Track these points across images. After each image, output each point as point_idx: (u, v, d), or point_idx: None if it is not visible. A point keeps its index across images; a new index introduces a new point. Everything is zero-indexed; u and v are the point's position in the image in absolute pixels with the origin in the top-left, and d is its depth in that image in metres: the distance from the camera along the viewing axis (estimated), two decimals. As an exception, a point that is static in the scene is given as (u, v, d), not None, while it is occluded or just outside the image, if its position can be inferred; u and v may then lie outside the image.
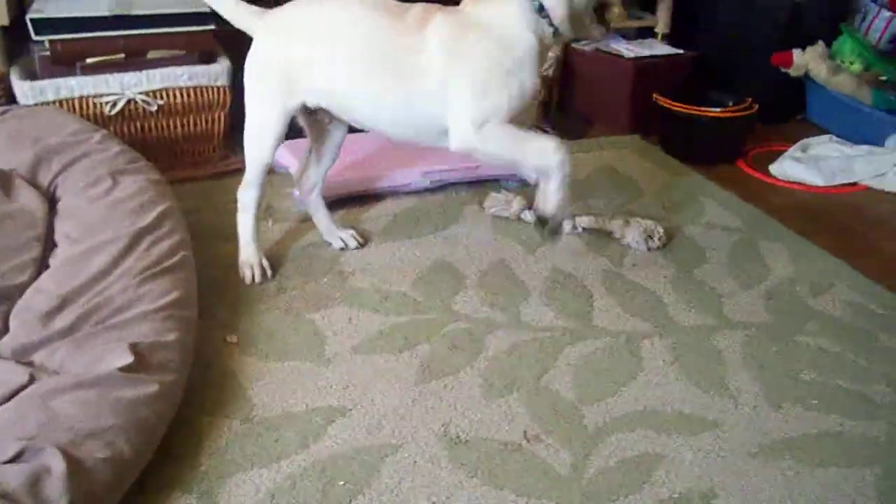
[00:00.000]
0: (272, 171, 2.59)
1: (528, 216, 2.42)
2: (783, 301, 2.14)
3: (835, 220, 2.61)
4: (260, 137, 2.06)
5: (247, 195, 2.14)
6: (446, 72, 1.87)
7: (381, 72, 1.92)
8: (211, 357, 1.81)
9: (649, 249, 2.32)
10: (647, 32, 3.48)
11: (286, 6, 2.04)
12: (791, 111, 3.44)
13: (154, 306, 1.71)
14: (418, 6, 1.96)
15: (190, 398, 1.66)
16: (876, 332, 2.03)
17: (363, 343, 1.88)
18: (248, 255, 2.15)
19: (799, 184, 2.82)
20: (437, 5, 1.95)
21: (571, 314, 2.02)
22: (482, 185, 2.61)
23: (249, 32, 2.07)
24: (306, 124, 2.18)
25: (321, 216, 2.30)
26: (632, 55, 3.16)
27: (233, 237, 2.17)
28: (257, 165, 2.10)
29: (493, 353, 1.86)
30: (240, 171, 2.54)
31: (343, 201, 2.47)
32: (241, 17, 2.07)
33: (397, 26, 1.92)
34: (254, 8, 2.07)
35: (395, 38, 1.91)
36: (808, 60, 3.27)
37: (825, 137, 3.11)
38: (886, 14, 3.65)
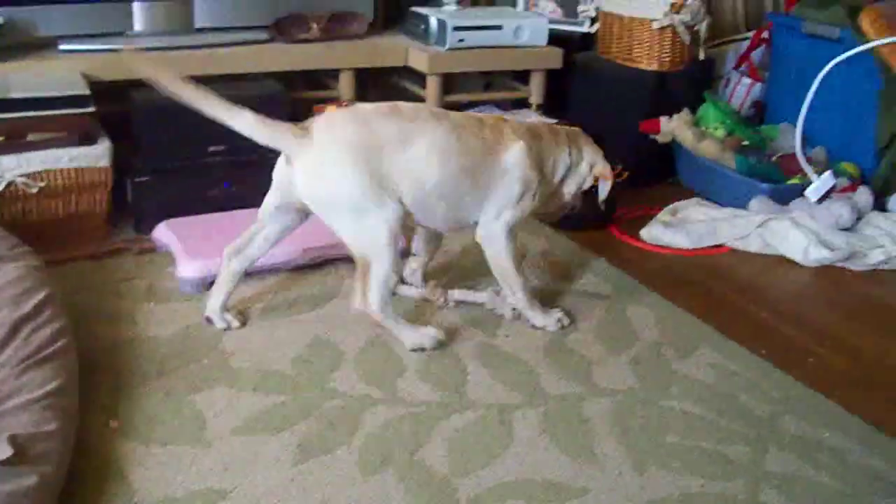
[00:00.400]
0: (153, 251, 2.63)
1: (400, 289, 2.49)
2: (649, 366, 2.23)
3: (700, 283, 2.73)
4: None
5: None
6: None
7: (461, 184, 2.23)
8: (92, 443, 1.82)
9: (520, 317, 2.40)
10: (521, 103, 3.59)
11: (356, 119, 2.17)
12: (662, 175, 3.57)
13: (34, 396, 1.72)
14: (491, 120, 2.31)
15: (71, 487, 1.67)
16: (737, 393, 2.13)
17: (243, 424, 1.91)
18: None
19: (667, 247, 2.93)
20: (508, 120, 2.35)
21: (446, 388, 2.08)
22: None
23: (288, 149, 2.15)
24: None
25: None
26: (506, 127, 3.25)
27: (114, 318, 2.19)
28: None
29: (369, 430, 1.91)
30: (121, 251, 2.59)
31: (223, 280, 2.49)
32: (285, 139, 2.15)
33: (479, 146, 2.24)
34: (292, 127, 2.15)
35: (479, 158, 2.23)
36: (674, 127, 3.42)
37: (693, 200, 3.24)
38: (747, 81, 3.85)
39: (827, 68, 1.65)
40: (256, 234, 2.31)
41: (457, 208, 2.26)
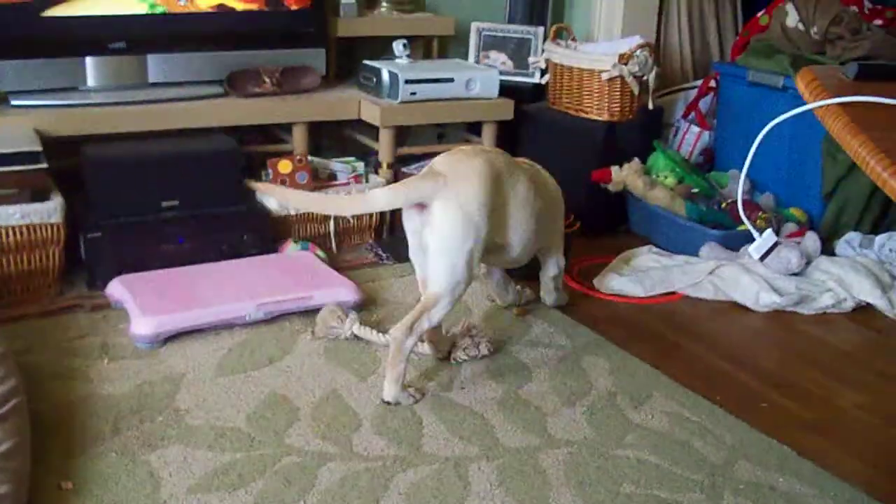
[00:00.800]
0: (107, 307, 2.62)
1: (359, 330, 2.50)
2: (604, 415, 2.24)
3: (653, 331, 2.76)
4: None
5: None
6: None
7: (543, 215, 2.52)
8: (44, 507, 1.81)
9: (474, 356, 2.43)
10: (474, 154, 3.60)
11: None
12: (614, 224, 3.61)
13: (-16, 458, 1.71)
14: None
15: (21, 552, 1.65)
16: (691, 440, 2.15)
17: (198, 483, 1.90)
18: None
19: (621, 296, 2.96)
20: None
21: (402, 441, 2.08)
22: (316, 313, 2.66)
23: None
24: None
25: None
26: (459, 178, 3.28)
27: (67, 376, 2.17)
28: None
29: (325, 486, 1.90)
30: (74, 308, 2.57)
31: (177, 338, 2.48)
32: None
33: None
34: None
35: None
36: (625, 176, 3.46)
37: (645, 248, 3.28)
38: (695, 129, 3.91)
39: (767, 128, 1.69)
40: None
41: (536, 238, 2.50)
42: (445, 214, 2.20)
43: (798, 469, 2.06)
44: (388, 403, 2.23)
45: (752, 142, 3.63)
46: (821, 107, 1.18)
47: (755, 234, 1.76)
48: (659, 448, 2.11)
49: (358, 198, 2.35)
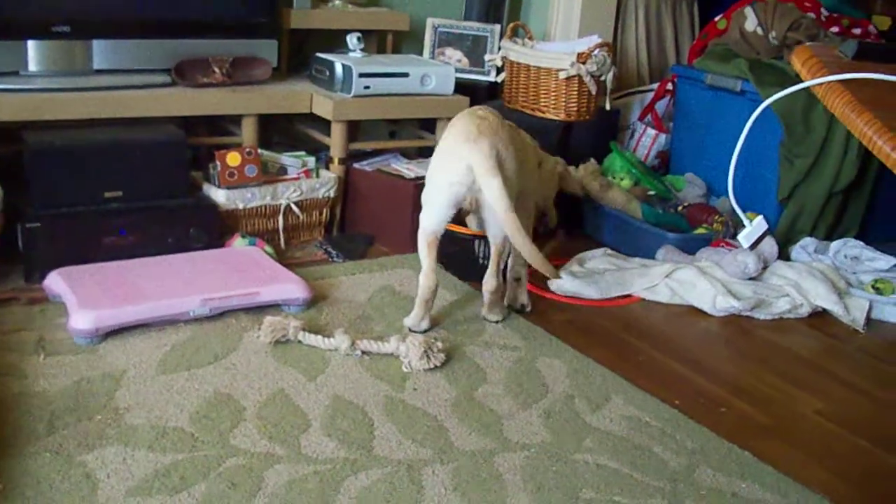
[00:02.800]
0: (44, 301, 2.51)
1: (306, 338, 2.41)
2: (562, 419, 2.18)
3: (610, 334, 2.70)
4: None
5: None
6: None
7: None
8: (-30, 509, 1.71)
9: (428, 367, 2.34)
10: (428, 151, 3.54)
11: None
12: (570, 226, 3.56)
13: None
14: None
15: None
16: (650, 445, 2.09)
17: (138, 485, 1.80)
18: None
19: (577, 298, 2.90)
20: None
21: (353, 444, 2.00)
22: (262, 310, 2.57)
23: None
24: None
25: None
26: (412, 175, 3.22)
27: (1, 372, 2.06)
28: None
29: (272, 490, 1.81)
30: (9, 301, 2.47)
31: (118, 333, 2.38)
32: None
33: None
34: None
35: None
36: (581, 177, 3.41)
37: (600, 251, 3.23)
38: (652, 132, 3.88)
39: (757, 112, 1.63)
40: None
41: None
42: (486, 169, 2.41)
43: (760, 475, 2.01)
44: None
45: (709, 145, 3.63)
46: (821, 84, 1.12)
47: (746, 221, 1.71)
48: (618, 453, 2.05)
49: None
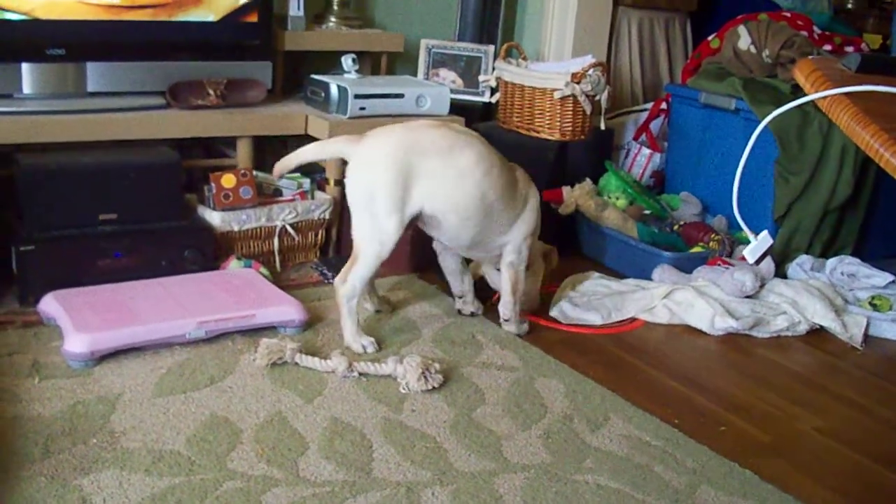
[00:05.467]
0: (39, 324, 2.50)
1: (303, 360, 2.40)
2: (561, 439, 2.17)
3: (607, 354, 2.69)
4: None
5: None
6: None
7: (498, 202, 2.61)
8: (-36, 535, 1.69)
9: (426, 389, 2.32)
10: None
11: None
12: (565, 246, 3.54)
13: None
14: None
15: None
16: (651, 465, 2.08)
17: (133, 509, 1.79)
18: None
19: (581, 326, 2.87)
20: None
21: (351, 466, 1.98)
22: (258, 333, 2.56)
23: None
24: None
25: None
26: (408, 196, 3.20)
27: (-9, 400, 2.05)
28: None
29: (270, 513, 1.80)
30: (4, 324, 2.46)
31: (113, 356, 2.37)
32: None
33: (508, 172, 2.67)
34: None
35: (510, 180, 2.66)
36: (577, 197, 3.41)
37: (592, 274, 3.21)
38: (646, 151, 3.88)
39: (759, 129, 1.63)
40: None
41: (488, 226, 2.59)
42: (352, 176, 2.48)
43: (761, 493, 2.00)
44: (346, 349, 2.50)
45: (704, 164, 3.63)
46: (826, 97, 1.12)
47: (751, 237, 1.71)
48: (619, 473, 2.04)
49: (292, 154, 2.62)
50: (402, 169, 2.44)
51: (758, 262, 1.86)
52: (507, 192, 2.60)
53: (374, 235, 2.47)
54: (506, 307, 2.72)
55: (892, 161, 0.96)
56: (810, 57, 1.26)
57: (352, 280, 2.50)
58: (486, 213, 2.55)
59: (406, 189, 2.45)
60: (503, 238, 2.66)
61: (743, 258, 3.11)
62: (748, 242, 3.19)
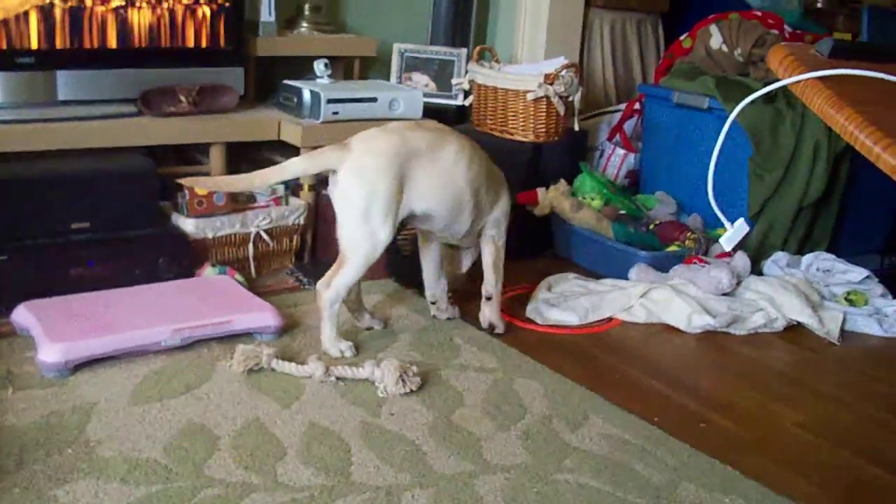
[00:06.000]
0: (12, 335, 2.47)
1: (279, 365, 2.39)
2: (541, 439, 2.16)
3: (586, 353, 2.69)
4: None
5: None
6: None
7: (481, 189, 2.65)
8: (-62, 550, 1.66)
9: (404, 392, 2.31)
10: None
11: None
12: (540, 248, 3.55)
13: None
14: None
15: None
16: (631, 463, 2.08)
17: (110, 519, 1.77)
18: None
19: (557, 327, 2.87)
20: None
21: (330, 471, 1.96)
22: (234, 339, 2.54)
23: None
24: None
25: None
26: (383, 199, 3.19)
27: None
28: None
29: (249, 519, 1.79)
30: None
31: (88, 366, 2.34)
32: None
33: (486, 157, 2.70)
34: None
35: (487, 167, 2.68)
36: (552, 198, 3.40)
37: (568, 275, 3.21)
38: (621, 152, 3.88)
39: (729, 121, 1.63)
40: None
41: (478, 213, 2.62)
42: (346, 183, 2.43)
43: (742, 489, 2.00)
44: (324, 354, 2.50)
45: (678, 163, 3.64)
46: (800, 81, 1.12)
47: (727, 224, 1.70)
48: (599, 471, 2.03)
49: (276, 168, 2.50)
50: (396, 174, 2.43)
51: (734, 250, 1.85)
52: (490, 176, 2.65)
53: (365, 241, 2.44)
54: (489, 283, 2.73)
55: (867, 143, 0.96)
56: (783, 43, 1.26)
57: (336, 285, 2.47)
58: (475, 200, 2.58)
59: (399, 193, 2.45)
60: (487, 217, 2.69)
61: (720, 255, 3.13)
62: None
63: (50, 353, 2.30)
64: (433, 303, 2.83)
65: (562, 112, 3.44)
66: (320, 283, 2.50)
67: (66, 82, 2.96)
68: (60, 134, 2.86)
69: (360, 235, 2.44)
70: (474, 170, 2.57)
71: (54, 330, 2.37)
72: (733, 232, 1.68)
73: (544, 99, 3.39)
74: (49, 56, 2.91)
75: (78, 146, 2.88)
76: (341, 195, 2.45)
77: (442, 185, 2.51)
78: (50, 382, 2.27)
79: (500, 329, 2.76)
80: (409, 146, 2.46)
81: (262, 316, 2.60)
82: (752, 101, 3.31)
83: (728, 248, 1.79)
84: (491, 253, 2.72)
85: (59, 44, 2.91)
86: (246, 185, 2.56)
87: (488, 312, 2.76)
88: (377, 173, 2.41)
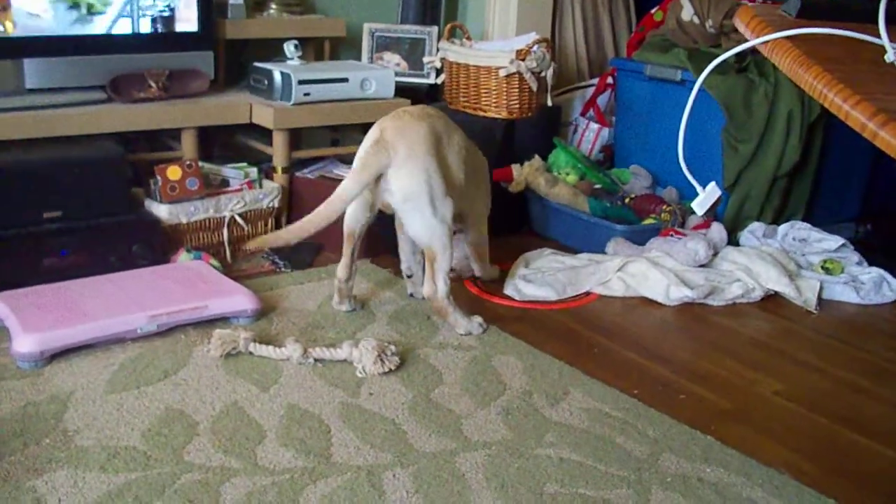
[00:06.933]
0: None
1: (257, 349, 2.37)
2: (521, 415, 2.16)
3: (565, 328, 2.68)
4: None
5: None
6: None
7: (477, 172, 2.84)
8: (-85, 543, 1.64)
9: (383, 371, 2.30)
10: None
11: None
12: (517, 225, 3.54)
13: None
14: None
15: None
16: (613, 436, 2.08)
17: (90, 507, 1.75)
18: None
19: (534, 302, 2.86)
20: None
21: (310, 452, 1.95)
22: (211, 324, 2.52)
23: None
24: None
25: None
26: (357, 180, 3.17)
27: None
28: None
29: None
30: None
31: (64, 355, 2.32)
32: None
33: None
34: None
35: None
36: (526, 175, 3.39)
37: (545, 251, 3.20)
38: (595, 126, 3.87)
39: (696, 86, 1.62)
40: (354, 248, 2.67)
41: (473, 195, 2.76)
42: (405, 181, 2.45)
43: (724, 458, 2.00)
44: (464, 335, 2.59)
45: (652, 136, 3.63)
46: (768, 42, 1.11)
47: (698, 188, 1.69)
48: (580, 445, 2.03)
49: (334, 199, 2.46)
50: (436, 156, 2.49)
51: (710, 220, 1.85)
52: (476, 154, 2.79)
53: (440, 226, 2.49)
54: (483, 271, 2.98)
55: (836, 101, 0.95)
56: (749, 4, 1.25)
57: (439, 280, 2.53)
58: (467, 183, 2.66)
59: (444, 173, 2.53)
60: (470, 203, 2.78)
61: (696, 227, 3.13)
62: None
63: (25, 344, 2.28)
64: (409, 276, 2.82)
65: (534, 88, 3.43)
66: (427, 290, 2.55)
67: (33, 70, 2.93)
68: (29, 123, 2.83)
69: (436, 223, 2.49)
70: (469, 148, 2.71)
71: (28, 320, 2.34)
72: (705, 196, 1.68)
73: (516, 75, 3.38)
74: (15, 44, 2.88)
75: (47, 135, 2.85)
76: (404, 195, 2.47)
77: (457, 168, 2.59)
78: (25, 373, 2.25)
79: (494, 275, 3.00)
80: (435, 131, 2.53)
81: (239, 300, 2.58)
82: (725, 72, 3.33)
83: (700, 213, 1.79)
84: (473, 236, 2.87)
85: (24, 32, 2.88)
86: (314, 227, 2.49)
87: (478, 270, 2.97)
88: (427, 160, 2.46)
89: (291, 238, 2.50)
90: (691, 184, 2.95)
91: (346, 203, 2.48)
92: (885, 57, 1.15)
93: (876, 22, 1.14)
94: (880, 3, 1.17)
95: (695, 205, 1.72)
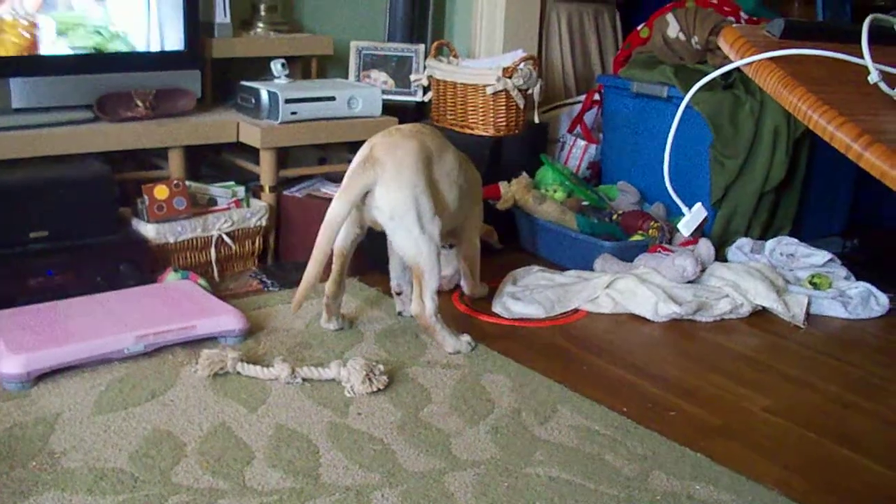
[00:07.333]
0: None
1: (245, 369, 2.36)
2: (510, 433, 2.15)
3: (552, 346, 2.68)
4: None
5: None
6: None
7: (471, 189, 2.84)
8: None
9: (371, 391, 2.30)
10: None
11: None
12: (505, 241, 3.53)
13: None
14: None
15: None
16: (602, 454, 2.07)
17: (77, 530, 1.74)
18: None
19: (523, 320, 2.86)
20: None
21: (298, 473, 1.95)
22: (199, 344, 2.51)
23: None
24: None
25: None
26: (345, 199, 3.17)
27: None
28: None
29: (218, 525, 1.77)
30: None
31: (50, 376, 2.31)
32: None
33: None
34: None
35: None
36: (514, 192, 3.40)
37: (533, 268, 3.20)
38: (582, 143, 3.88)
39: (683, 103, 1.62)
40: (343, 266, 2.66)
41: (469, 208, 2.77)
42: (390, 197, 2.45)
43: (713, 475, 2.00)
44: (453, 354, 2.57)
45: (639, 152, 3.64)
46: (751, 63, 1.12)
47: (684, 209, 1.70)
48: (570, 464, 2.03)
49: (326, 226, 2.47)
50: (426, 174, 2.50)
51: (698, 237, 1.85)
52: (470, 170, 2.79)
53: (428, 244, 2.49)
54: (472, 287, 2.98)
55: (821, 122, 0.96)
56: (734, 25, 1.26)
57: (427, 298, 2.52)
58: (460, 202, 2.67)
59: (433, 192, 2.54)
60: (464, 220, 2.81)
61: (684, 243, 3.13)
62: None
63: (11, 365, 2.26)
64: (398, 293, 2.82)
65: (521, 105, 3.44)
66: (415, 308, 2.55)
67: (20, 90, 2.92)
68: (16, 142, 2.82)
69: (423, 241, 2.48)
70: (463, 166, 2.70)
71: (14, 341, 2.33)
72: (691, 217, 1.68)
73: (503, 92, 3.39)
74: (1, 64, 2.87)
75: (34, 154, 2.85)
76: (390, 212, 2.47)
77: (448, 187, 2.60)
78: (11, 394, 2.24)
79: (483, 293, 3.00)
80: (426, 149, 2.53)
81: (226, 320, 2.57)
82: (711, 89, 3.34)
83: (686, 234, 1.79)
84: (471, 258, 2.91)
85: (11, 51, 2.88)
86: (324, 256, 2.49)
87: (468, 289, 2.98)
88: (415, 177, 2.46)
89: (313, 278, 2.50)
90: (673, 196, 2.97)
91: (340, 225, 2.47)
92: (869, 78, 1.16)
93: (859, 42, 1.15)
94: (863, 24, 1.18)
95: (681, 226, 1.72)
